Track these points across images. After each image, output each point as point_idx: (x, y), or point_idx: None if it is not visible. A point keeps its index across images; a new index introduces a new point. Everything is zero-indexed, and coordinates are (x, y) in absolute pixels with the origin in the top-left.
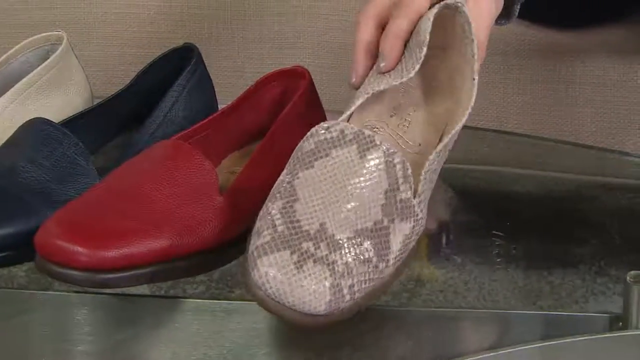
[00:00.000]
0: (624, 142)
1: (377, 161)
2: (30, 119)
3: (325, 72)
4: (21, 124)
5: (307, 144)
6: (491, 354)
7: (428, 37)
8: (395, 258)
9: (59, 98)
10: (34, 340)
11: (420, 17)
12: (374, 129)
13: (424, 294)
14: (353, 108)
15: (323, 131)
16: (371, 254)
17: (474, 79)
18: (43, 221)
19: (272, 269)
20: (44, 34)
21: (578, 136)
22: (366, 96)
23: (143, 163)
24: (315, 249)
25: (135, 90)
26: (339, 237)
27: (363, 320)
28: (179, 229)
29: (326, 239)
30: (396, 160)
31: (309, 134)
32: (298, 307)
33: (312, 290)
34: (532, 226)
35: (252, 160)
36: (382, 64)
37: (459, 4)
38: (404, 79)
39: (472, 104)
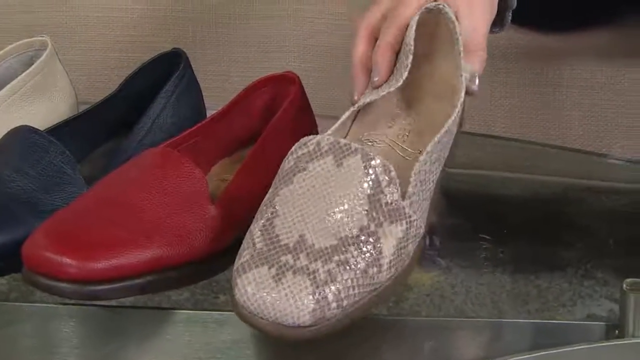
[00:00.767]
0: (611, 145)
1: (354, 168)
2: (16, 127)
3: (311, 75)
4: (5, 132)
5: (287, 162)
6: None
7: (413, 43)
8: (390, 263)
9: (43, 105)
10: (20, 353)
11: None
12: (372, 142)
13: (411, 298)
14: (337, 124)
15: (301, 147)
16: (358, 259)
17: (461, 76)
18: (29, 231)
19: (250, 286)
20: (28, 40)
21: (565, 139)
22: (352, 110)
23: (131, 171)
24: (295, 260)
25: (123, 96)
26: (319, 247)
27: (353, 331)
28: (170, 239)
29: (306, 249)
30: (375, 163)
31: (290, 151)
32: (281, 320)
33: (292, 302)
34: (520, 229)
35: (243, 167)
36: (375, 78)
37: (441, 5)
38: (392, 89)
39: (461, 100)
